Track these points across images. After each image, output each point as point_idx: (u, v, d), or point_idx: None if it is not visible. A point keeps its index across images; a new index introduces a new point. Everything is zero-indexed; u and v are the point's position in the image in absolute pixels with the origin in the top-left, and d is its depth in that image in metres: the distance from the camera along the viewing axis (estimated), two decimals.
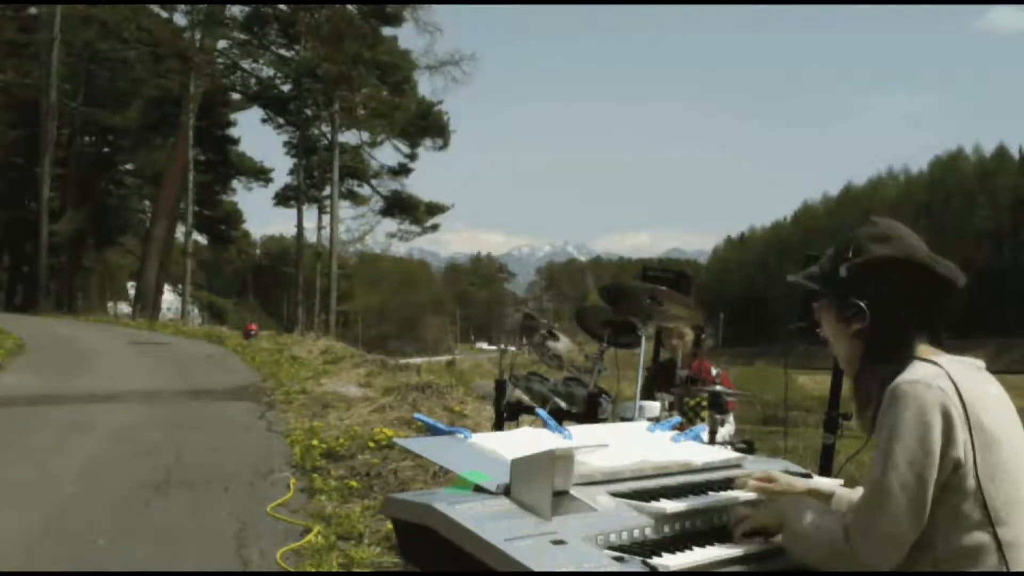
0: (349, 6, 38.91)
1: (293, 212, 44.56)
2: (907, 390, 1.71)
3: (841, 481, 2.25)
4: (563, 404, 3.78)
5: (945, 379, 1.72)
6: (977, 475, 1.69)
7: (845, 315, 1.86)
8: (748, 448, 3.12)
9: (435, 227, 46.59)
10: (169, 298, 45.80)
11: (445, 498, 1.76)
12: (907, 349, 1.81)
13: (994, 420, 1.74)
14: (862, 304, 1.82)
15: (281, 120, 43.80)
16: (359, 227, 44.85)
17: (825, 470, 3.47)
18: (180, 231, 40.62)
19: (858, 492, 1.98)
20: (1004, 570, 1.67)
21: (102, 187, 44.04)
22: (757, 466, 2.35)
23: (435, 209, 45.60)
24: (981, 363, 1.86)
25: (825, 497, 2.02)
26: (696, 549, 1.80)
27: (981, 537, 1.68)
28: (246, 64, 41.65)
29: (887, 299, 1.82)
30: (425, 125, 42.48)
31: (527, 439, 2.28)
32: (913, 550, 1.72)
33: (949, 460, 1.69)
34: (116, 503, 5.32)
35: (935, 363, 1.77)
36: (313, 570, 4.06)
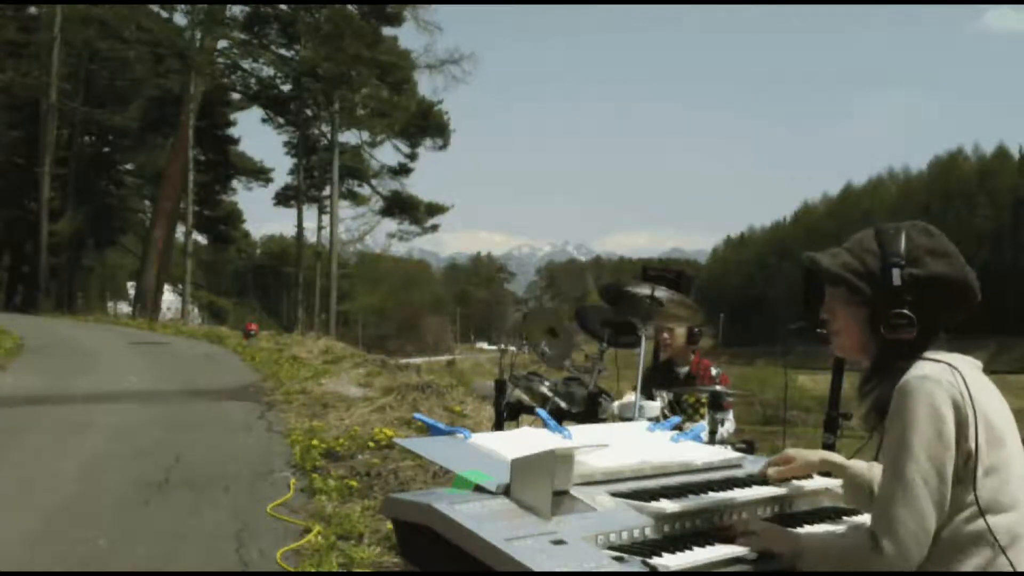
0: (349, 6, 38.95)
1: (293, 212, 44.69)
2: (917, 386, 1.72)
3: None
4: (563, 404, 3.79)
5: (953, 374, 1.73)
6: (983, 469, 1.70)
7: (889, 322, 1.79)
8: (748, 448, 3.13)
9: (435, 227, 46.70)
10: (169, 298, 45.78)
11: (445, 498, 1.76)
12: (923, 351, 1.81)
13: (999, 417, 1.76)
14: (914, 317, 1.77)
15: (281, 120, 43.86)
16: (359, 227, 44.98)
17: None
18: (180, 231, 40.65)
19: (873, 467, 1.98)
20: (1008, 562, 1.67)
21: (102, 187, 44.06)
22: (757, 466, 2.35)
23: (435, 209, 45.62)
24: (979, 363, 1.87)
25: (839, 467, 2.04)
26: (696, 549, 1.79)
27: (982, 528, 1.69)
28: (246, 64, 41.73)
29: (934, 313, 1.80)
30: (425, 125, 42.50)
31: (527, 439, 2.28)
32: None
33: (962, 452, 1.70)
34: (116, 503, 5.32)
35: (941, 361, 1.77)
36: (313, 570, 4.06)
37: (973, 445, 1.69)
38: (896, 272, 1.79)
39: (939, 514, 1.68)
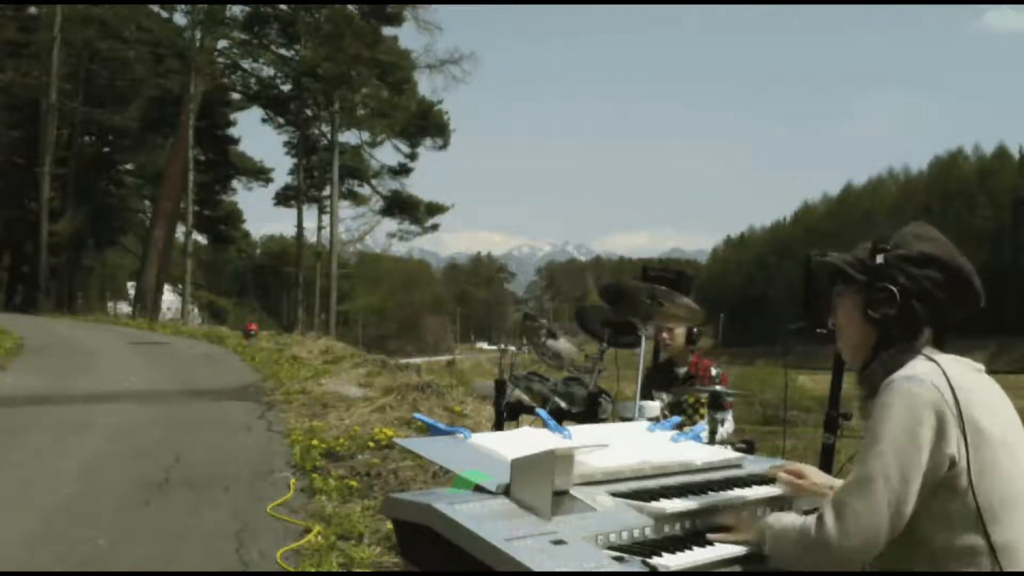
0: (349, 6, 38.95)
1: (293, 212, 44.69)
2: (901, 384, 1.74)
3: None
4: (563, 404, 3.78)
5: (940, 376, 1.74)
6: (970, 474, 1.69)
7: (874, 298, 1.84)
8: (748, 448, 3.12)
9: (435, 227, 46.68)
10: (169, 298, 45.79)
11: (445, 498, 1.76)
12: (917, 343, 1.83)
13: (990, 420, 1.74)
14: (894, 289, 1.81)
15: (281, 120, 43.86)
16: (359, 227, 44.96)
17: (825, 470, 3.46)
18: (180, 231, 40.64)
19: None
20: (997, 571, 1.67)
21: (102, 187, 44.05)
22: (757, 466, 2.35)
23: (435, 209, 45.61)
24: (981, 366, 1.87)
25: None
26: (696, 549, 1.79)
27: (975, 537, 1.68)
28: (246, 64, 41.73)
29: (918, 292, 1.82)
30: (425, 125, 42.50)
31: (527, 439, 2.28)
32: (909, 548, 1.73)
33: (944, 457, 1.69)
34: (116, 503, 5.32)
35: (933, 360, 1.78)
36: (313, 570, 4.06)
37: (955, 450, 1.69)
38: (881, 255, 1.85)
39: (896, 513, 1.68)
